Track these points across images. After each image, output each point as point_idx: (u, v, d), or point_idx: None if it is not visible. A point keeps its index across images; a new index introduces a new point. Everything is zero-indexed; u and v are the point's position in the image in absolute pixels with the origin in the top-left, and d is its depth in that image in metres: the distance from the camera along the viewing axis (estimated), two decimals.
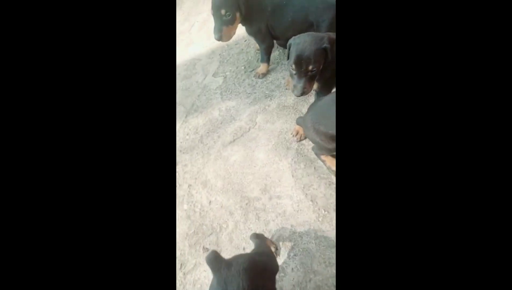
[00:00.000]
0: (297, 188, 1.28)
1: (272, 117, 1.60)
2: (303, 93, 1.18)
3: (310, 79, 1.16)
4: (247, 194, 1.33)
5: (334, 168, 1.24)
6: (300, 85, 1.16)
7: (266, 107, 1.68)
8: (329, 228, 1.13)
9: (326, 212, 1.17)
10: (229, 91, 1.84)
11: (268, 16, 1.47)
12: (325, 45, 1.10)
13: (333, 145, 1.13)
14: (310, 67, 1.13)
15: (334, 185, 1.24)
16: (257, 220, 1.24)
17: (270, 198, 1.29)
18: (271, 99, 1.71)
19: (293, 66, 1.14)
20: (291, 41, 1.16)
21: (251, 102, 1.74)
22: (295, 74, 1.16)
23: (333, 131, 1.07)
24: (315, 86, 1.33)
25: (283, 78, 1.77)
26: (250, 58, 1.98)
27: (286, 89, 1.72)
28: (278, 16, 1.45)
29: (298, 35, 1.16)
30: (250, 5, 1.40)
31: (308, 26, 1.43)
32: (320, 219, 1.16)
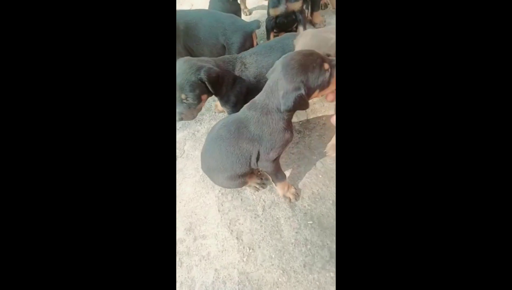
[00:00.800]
0: (223, 225, 1.19)
1: (200, 144, 1.50)
2: (181, 119, 1.15)
3: (188, 107, 1.13)
4: None
5: (253, 184, 1.24)
6: (178, 111, 1.13)
7: (195, 132, 1.58)
8: (253, 268, 1.05)
9: (251, 250, 1.10)
10: None
11: (182, 36, 1.38)
12: (200, 76, 1.05)
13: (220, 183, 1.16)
14: (183, 96, 1.09)
15: (259, 219, 1.17)
16: (179, 267, 1.12)
17: (195, 239, 1.18)
18: (200, 123, 1.61)
19: None
20: None
21: (179, 127, 1.62)
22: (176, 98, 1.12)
23: (208, 173, 1.12)
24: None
25: (214, 101, 1.68)
26: None
27: (215, 112, 1.64)
28: (191, 35, 1.36)
29: (179, 59, 1.11)
30: None
31: (222, 47, 1.37)
32: (244, 259, 1.08)
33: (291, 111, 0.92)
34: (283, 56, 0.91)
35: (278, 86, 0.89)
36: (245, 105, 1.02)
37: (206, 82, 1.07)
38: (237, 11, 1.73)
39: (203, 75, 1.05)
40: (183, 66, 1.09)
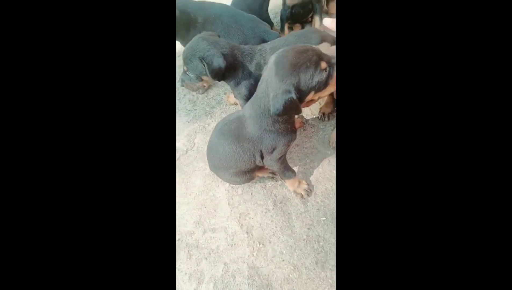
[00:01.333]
0: (233, 219, 1.17)
1: None
2: (182, 85, 1.23)
3: (189, 79, 1.18)
4: (179, 228, 1.20)
5: (266, 175, 1.22)
6: (181, 78, 1.20)
7: (206, 125, 1.56)
8: (263, 263, 1.03)
9: (261, 245, 1.08)
10: None
11: (199, 29, 1.36)
12: (202, 58, 1.06)
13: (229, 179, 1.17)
14: (185, 68, 1.14)
15: (270, 213, 1.15)
16: (188, 259, 1.11)
17: (204, 232, 1.17)
18: (211, 116, 1.59)
19: None
20: None
21: (190, 120, 1.61)
22: None
23: (214, 170, 1.17)
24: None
25: (224, 94, 1.66)
26: None
27: (227, 105, 1.61)
28: (209, 30, 1.34)
29: (200, 34, 1.14)
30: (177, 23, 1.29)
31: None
32: (254, 254, 1.06)
33: (281, 115, 0.81)
34: (277, 51, 0.81)
35: (268, 86, 0.80)
36: (247, 103, 0.97)
37: (205, 68, 1.06)
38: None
39: (206, 60, 1.04)
40: (196, 41, 1.08)
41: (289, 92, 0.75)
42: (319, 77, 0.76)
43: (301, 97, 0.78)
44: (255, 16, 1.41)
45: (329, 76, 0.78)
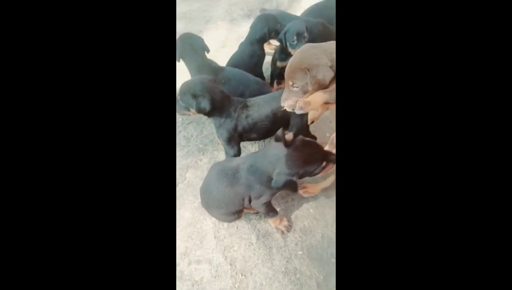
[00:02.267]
0: (218, 251, 1.25)
1: (202, 173, 1.61)
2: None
3: (179, 107, 1.38)
4: None
5: (251, 212, 1.33)
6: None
7: (198, 161, 1.70)
8: None
9: (243, 277, 1.16)
10: None
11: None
12: (194, 98, 1.29)
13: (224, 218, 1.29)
14: (178, 97, 1.35)
15: (253, 247, 1.25)
16: None
17: (189, 263, 1.23)
18: (203, 153, 1.74)
19: None
20: None
21: (183, 155, 1.74)
22: None
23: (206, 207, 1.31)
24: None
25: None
26: None
27: (219, 144, 1.78)
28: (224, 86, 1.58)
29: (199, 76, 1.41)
30: None
31: None
32: (236, 286, 1.13)
33: (279, 190, 1.05)
34: (296, 139, 1.00)
35: (277, 161, 0.98)
36: (247, 156, 1.17)
37: (194, 104, 1.28)
38: (260, 56, 1.91)
39: (197, 98, 1.27)
40: (195, 80, 1.33)
41: (293, 176, 0.96)
42: (318, 169, 1.01)
43: (299, 178, 1.00)
44: (260, 80, 1.70)
45: (323, 168, 1.01)
